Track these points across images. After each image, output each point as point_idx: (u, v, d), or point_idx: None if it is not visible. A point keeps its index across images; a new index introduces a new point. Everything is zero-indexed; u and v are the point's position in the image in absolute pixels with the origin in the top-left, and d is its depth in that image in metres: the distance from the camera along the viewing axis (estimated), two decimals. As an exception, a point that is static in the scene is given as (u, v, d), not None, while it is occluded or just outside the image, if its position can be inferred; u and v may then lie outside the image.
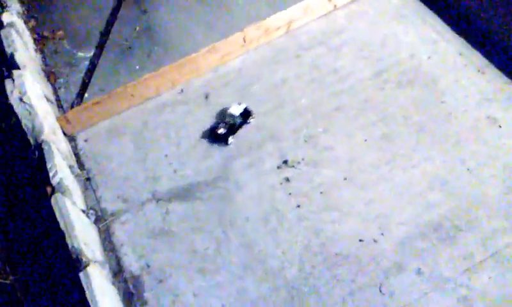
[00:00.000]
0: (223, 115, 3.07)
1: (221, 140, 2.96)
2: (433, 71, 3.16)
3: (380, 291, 2.44)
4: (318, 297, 2.45)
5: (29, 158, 2.72)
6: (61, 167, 2.67)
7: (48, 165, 2.62)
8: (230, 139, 2.95)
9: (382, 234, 2.57)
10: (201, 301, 2.49)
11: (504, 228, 2.54)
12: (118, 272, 2.60)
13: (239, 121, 3.00)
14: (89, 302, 2.24)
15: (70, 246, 2.37)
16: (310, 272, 2.51)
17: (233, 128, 2.98)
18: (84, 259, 2.34)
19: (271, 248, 2.60)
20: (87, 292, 2.25)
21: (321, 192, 2.71)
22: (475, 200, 2.64)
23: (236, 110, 3.01)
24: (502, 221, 2.56)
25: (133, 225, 2.74)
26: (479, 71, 3.11)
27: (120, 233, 2.72)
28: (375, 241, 2.56)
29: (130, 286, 2.55)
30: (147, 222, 2.74)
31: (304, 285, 2.49)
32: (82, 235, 2.49)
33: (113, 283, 2.53)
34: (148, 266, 2.59)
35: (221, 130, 2.96)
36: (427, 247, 2.53)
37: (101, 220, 2.78)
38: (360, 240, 2.56)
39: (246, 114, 3.02)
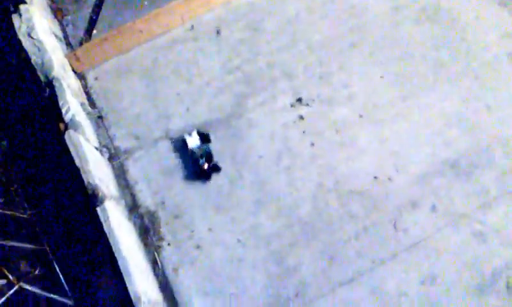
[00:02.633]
0: (188, 151, 2.73)
1: (205, 175, 2.69)
2: (453, 7, 3.03)
3: (394, 227, 2.47)
4: (331, 233, 2.48)
5: (41, 94, 2.69)
6: (72, 104, 2.64)
7: (60, 102, 2.60)
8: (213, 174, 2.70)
9: (397, 171, 2.56)
10: (217, 236, 2.53)
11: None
12: (133, 208, 2.63)
13: (207, 148, 2.72)
14: (107, 235, 2.29)
15: (85, 181, 2.39)
16: (324, 209, 2.53)
17: (210, 158, 2.70)
18: (100, 194, 2.37)
19: (284, 186, 2.61)
20: (104, 226, 2.29)
21: (336, 130, 2.68)
22: (492, 138, 2.60)
23: (194, 141, 2.72)
24: (519, 159, 2.56)
25: (147, 162, 2.75)
26: (500, 4, 3.00)
27: (133, 170, 2.74)
28: (390, 179, 2.55)
29: (146, 222, 2.59)
30: (160, 159, 2.74)
31: (317, 221, 2.51)
32: (97, 171, 2.50)
33: (129, 219, 2.57)
34: (163, 202, 2.62)
35: (205, 166, 2.68)
36: (442, 184, 2.52)
37: (114, 157, 2.79)
38: (375, 177, 2.56)
39: (205, 137, 2.76)
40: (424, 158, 2.58)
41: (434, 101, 2.71)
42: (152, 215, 2.60)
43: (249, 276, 2.42)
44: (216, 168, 2.64)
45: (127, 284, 2.10)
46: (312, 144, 2.67)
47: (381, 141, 2.64)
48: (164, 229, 2.56)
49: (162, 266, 2.47)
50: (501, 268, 2.38)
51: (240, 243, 2.49)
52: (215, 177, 2.63)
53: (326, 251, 2.45)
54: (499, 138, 2.58)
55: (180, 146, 2.71)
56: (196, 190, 2.62)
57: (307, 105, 2.74)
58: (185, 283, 2.43)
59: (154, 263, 2.48)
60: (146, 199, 2.64)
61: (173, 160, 2.72)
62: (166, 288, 2.44)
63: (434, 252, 2.41)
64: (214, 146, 2.70)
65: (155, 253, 2.50)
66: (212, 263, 2.46)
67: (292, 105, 2.76)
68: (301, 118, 2.73)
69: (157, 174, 2.71)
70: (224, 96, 2.86)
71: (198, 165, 2.62)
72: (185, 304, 2.39)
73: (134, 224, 2.57)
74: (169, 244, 2.51)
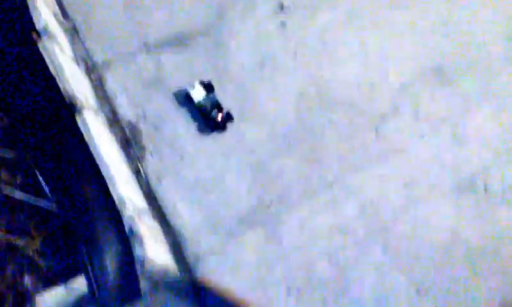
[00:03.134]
0: (193, 104, 2.59)
1: (219, 127, 2.57)
2: None
3: (376, 133, 2.50)
4: (314, 140, 2.50)
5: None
6: (44, 12, 2.52)
7: (31, 9, 2.48)
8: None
9: (380, 79, 2.55)
10: (200, 146, 2.52)
11: (503, 68, 2.55)
12: (113, 121, 2.59)
13: (213, 98, 2.58)
14: (89, 145, 2.26)
15: (62, 91, 2.33)
16: (307, 117, 2.53)
17: (220, 107, 2.58)
18: (78, 104, 2.32)
19: (267, 94, 2.58)
20: (85, 135, 2.25)
21: (319, 38, 2.64)
22: (476, 43, 2.60)
23: (199, 93, 2.58)
24: (502, 63, 2.56)
25: (125, 75, 2.66)
26: None
27: (112, 83, 2.65)
28: (372, 86, 2.55)
29: (128, 133, 2.55)
30: (140, 71, 2.66)
31: (300, 130, 2.52)
32: (74, 81, 2.43)
33: (109, 130, 2.54)
34: (145, 114, 2.58)
35: (219, 117, 2.55)
36: (425, 91, 2.54)
37: (92, 70, 2.71)
38: (358, 85, 2.55)
39: (208, 86, 2.62)
40: (407, 64, 2.57)
41: (418, 8, 2.68)
42: (133, 127, 2.56)
43: (233, 183, 2.44)
44: (229, 117, 2.53)
45: (111, 190, 2.10)
46: (295, 52, 2.62)
47: (364, 48, 2.61)
48: (146, 141, 2.53)
49: (145, 176, 2.47)
50: (479, 170, 2.45)
51: (225, 154, 2.49)
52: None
53: (308, 157, 2.47)
54: (482, 44, 2.59)
55: (184, 99, 2.59)
56: (178, 101, 2.59)
57: (289, 12, 2.67)
58: (169, 192, 2.44)
59: (137, 173, 2.48)
60: (127, 112, 2.59)
61: (152, 73, 2.67)
62: (150, 196, 2.45)
63: (415, 157, 2.46)
64: (192, 56, 2.64)
65: (138, 163, 2.50)
66: (196, 173, 2.47)
67: (274, 12, 2.69)
68: (284, 25, 2.67)
69: (137, 87, 2.64)
70: (204, 6, 2.76)
71: (211, 118, 2.52)
72: (170, 212, 2.41)
73: (115, 135, 2.55)
74: (151, 155, 2.50)
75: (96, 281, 2.07)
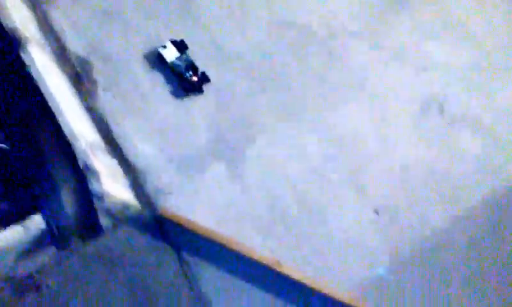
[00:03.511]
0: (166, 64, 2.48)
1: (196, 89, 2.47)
2: None
3: (342, 65, 2.50)
4: (281, 77, 2.50)
5: None
6: None
7: None
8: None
9: (338, 7, 2.54)
10: (152, 76, 2.47)
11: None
12: (62, 56, 2.48)
13: (187, 58, 2.47)
14: (35, 81, 2.17)
15: (3, 24, 2.20)
16: (274, 54, 2.52)
17: (195, 68, 2.47)
18: (22, 38, 2.20)
19: (237, 41, 2.53)
20: (31, 70, 2.15)
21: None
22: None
23: (171, 52, 2.46)
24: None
25: (73, 7, 2.53)
26: None
27: (58, 17, 2.50)
28: (335, 15, 2.54)
29: (78, 68, 2.45)
30: (89, 2, 2.54)
31: (273, 72, 2.51)
32: (16, 15, 2.30)
33: (58, 66, 2.44)
34: (94, 47, 2.47)
35: (194, 78, 2.45)
36: (387, 19, 2.55)
37: (35, 4, 2.56)
38: (319, 17, 2.54)
39: (181, 44, 2.50)
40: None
41: None
42: (83, 61, 2.45)
43: (197, 120, 2.41)
44: (205, 78, 2.44)
45: (62, 125, 2.04)
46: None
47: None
48: (97, 75, 2.44)
49: (100, 112, 2.41)
50: (439, 95, 2.51)
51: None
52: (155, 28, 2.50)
53: (281, 101, 2.47)
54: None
55: (156, 60, 2.47)
56: (133, 36, 2.49)
57: None
58: (127, 128, 2.38)
59: (91, 110, 2.42)
60: (75, 46, 2.46)
61: (104, 4, 2.54)
62: (106, 133, 2.39)
63: (381, 88, 2.50)
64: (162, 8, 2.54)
65: (92, 99, 2.43)
66: (156, 109, 2.41)
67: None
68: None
69: (85, 20, 2.51)
70: None
71: (186, 80, 2.43)
72: (128, 148, 2.36)
73: (65, 71, 2.45)
74: (104, 90, 2.43)
75: (54, 219, 2.05)
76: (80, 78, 2.43)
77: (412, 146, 2.43)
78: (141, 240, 2.28)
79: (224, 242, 2.20)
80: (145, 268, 2.22)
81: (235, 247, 2.18)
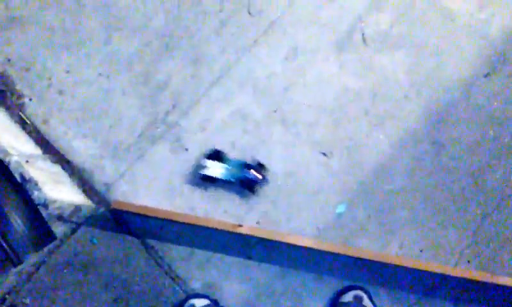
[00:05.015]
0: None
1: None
2: None
3: (249, 13, 2.45)
4: (190, 37, 2.43)
5: None
6: None
7: None
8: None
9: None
10: (76, 76, 2.39)
11: None
12: (-22, 76, 2.42)
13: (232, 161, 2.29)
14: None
15: None
16: (177, 15, 2.44)
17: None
18: None
19: (130, 2, 2.45)
20: None
21: None
22: None
23: (216, 168, 2.25)
24: None
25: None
26: None
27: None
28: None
29: (-2, 85, 2.41)
30: (-9, 14, 2.45)
31: (174, 29, 2.44)
32: None
33: (-24, 87, 2.37)
34: (9, 59, 2.39)
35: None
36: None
37: None
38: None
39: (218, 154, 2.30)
40: None
41: None
42: (2, 76, 2.39)
43: (122, 104, 2.37)
44: (262, 167, 2.28)
45: (-12, 145, 2.01)
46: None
47: None
48: (19, 86, 2.38)
49: (31, 122, 2.36)
50: (354, 22, 2.49)
51: (103, 75, 2.38)
52: (54, 15, 2.41)
53: (190, 57, 2.42)
54: None
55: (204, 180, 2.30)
56: (39, 35, 2.40)
57: None
58: (59, 131, 2.34)
59: (22, 123, 2.37)
60: (-10, 63, 2.41)
61: (2, 13, 2.44)
62: (42, 141, 2.35)
63: (291, 26, 2.46)
64: None
65: (20, 112, 2.37)
66: (80, 104, 2.37)
67: None
68: None
69: (-6, 34, 2.44)
70: None
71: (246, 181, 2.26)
72: (66, 150, 2.33)
73: (-15, 91, 2.38)
74: (30, 99, 2.35)
75: (4, 241, 2.04)
76: (3, 93, 2.37)
77: (339, 79, 2.43)
78: (104, 237, 2.28)
79: (181, 219, 2.21)
80: (115, 264, 2.24)
81: (192, 220, 2.21)
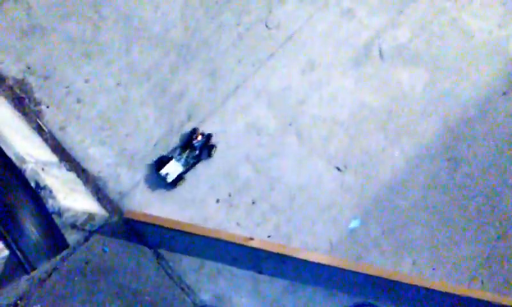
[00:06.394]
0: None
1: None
2: None
3: (266, 26, 2.46)
4: (208, 49, 2.45)
5: None
6: None
7: None
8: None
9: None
10: (95, 85, 2.42)
11: None
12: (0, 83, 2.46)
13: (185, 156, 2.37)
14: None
15: None
16: (195, 27, 2.46)
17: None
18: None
19: (150, 14, 2.47)
20: (-35, 104, 2.13)
21: None
22: None
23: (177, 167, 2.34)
24: None
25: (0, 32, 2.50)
26: None
27: (-13, 44, 2.49)
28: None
29: (17, 91, 2.43)
30: (12, 22, 2.47)
31: (192, 41, 2.46)
32: None
33: (-3, 94, 2.41)
34: (29, 67, 2.43)
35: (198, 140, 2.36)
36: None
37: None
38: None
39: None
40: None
41: None
42: (22, 83, 2.43)
43: (139, 113, 2.39)
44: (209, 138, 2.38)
45: (6, 151, 2.02)
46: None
47: None
48: (38, 94, 2.42)
49: (48, 129, 2.39)
50: (372, 38, 2.49)
51: (121, 85, 2.41)
52: (75, 25, 2.45)
53: (207, 68, 2.44)
54: None
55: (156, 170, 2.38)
56: (60, 44, 2.44)
57: None
58: (76, 139, 2.37)
59: (39, 130, 2.40)
60: (10, 69, 2.43)
61: (25, 21, 2.48)
62: (58, 148, 2.38)
63: (309, 40, 2.47)
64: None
65: (37, 119, 2.40)
66: (98, 112, 2.40)
67: None
68: None
69: (12, 40, 2.45)
70: None
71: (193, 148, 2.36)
72: (82, 158, 2.37)
73: (5, 97, 2.42)
74: (48, 107, 2.39)
75: (16, 245, 2.06)
76: (22, 100, 2.41)
77: (355, 94, 2.42)
78: (116, 246, 2.30)
79: (192, 230, 2.22)
80: (126, 273, 2.25)
81: (203, 232, 2.21)
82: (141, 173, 2.35)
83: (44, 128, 2.41)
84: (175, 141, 2.37)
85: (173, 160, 2.36)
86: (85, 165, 2.36)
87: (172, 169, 2.35)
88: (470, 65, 2.43)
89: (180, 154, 2.38)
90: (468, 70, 2.42)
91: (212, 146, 2.37)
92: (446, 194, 2.30)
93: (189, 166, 2.36)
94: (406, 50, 2.46)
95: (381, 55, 2.45)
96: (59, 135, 2.39)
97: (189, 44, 2.44)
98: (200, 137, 2.37)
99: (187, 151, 2.37)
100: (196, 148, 2.36)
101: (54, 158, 2.36)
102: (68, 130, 2.39)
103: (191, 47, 2.44)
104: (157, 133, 2.39)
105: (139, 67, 2.44)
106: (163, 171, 2.35)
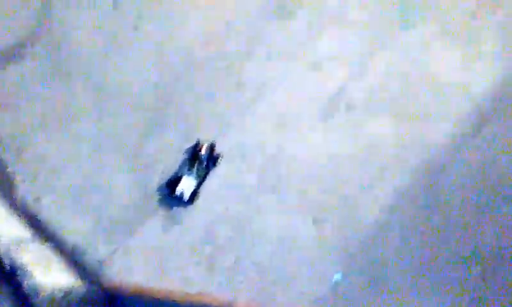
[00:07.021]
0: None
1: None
2: None
3: (237, 85, 2.50)
4: (180, 110, 2.48)
5: None
6: None
7: None
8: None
9: (226, 27, 2.55)
10: (69, 154, 2.41)
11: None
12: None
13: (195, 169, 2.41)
14: None
15: None
16: (167, 90, 2.50)
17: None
18: None
19: (121, 80, 2.51)
20: None
21: (155, 6, 2.59)
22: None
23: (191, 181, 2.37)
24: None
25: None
26: None
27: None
28: (220, 38, 2.55)
29: (-11, 167, 2.42)
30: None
31: (164, 104, 2.49)
32: None
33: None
34: (0, 141, 2.44)
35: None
36: (271, 28, 2.57)
37: None
38: (206, 42, 2.54)
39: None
40: (249, 7, 2.59)
41: None
42: (-6, 159, 2.43)
43: (114, 179, 2.38)
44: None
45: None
46: (135, 27, 2.57)
47: (201, 1, 2.60)
48: (11, 168, 2.41)
49: (22, 204, 2.36)
50: (340, 89, 2.54)
51: (94, 152, 2.42)
52: (46, 95, 2.46)
53: (179, 130, 2.45)
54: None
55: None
56: (30, 117, 2.45)
57: (117, -11, 2.57)
58: (52, 210, 2.34)
59: (13, 204, 2.37)
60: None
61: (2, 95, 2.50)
62: (34, 221, 2.35)
63: (278, 95, 2.51)
64: (31, 67, 2.48)
65: (11, 193, 2.37)
66: (72, 182, 2.38)
67: (102, -6, 2.58)
68: (116, 2, 2.57)
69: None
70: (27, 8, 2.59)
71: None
72: (58, 229, 2.33)
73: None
74: (22, 180, 2.38)
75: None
76: (-3, 177, 2.40)
77: (324, 145, 2.44)
78: (99, 317, 2.25)
79: (174, 296, 2.18)
80: (111, 345, 2.20)
81: (185, 298, 2.17)
82: (118, 240, 2.31)
83: (18, 202, 2.39)
84: (151, 205, 2.36)
85: (185, 176, 2.35)
86: (62, 236, 2.32)
87: (186, 185, 2.34)
88: (437, 110, 2.48)
89: (189, 169, 2.38)
90: (436, 115, 2.48)
91: (218, 156, 2.39)
92: (425, 238, 2.30)
93: (201, 179, 2.36)
94: (374, 98, 2.51)
95: (349, 106, 2.50)
96: (34, 207, 2.36)
97: (161, 107, 2.47)
98: (204, 148, 2.38)
99: (196, 163, 2.38)
100: (203, 159, 2.37)
101: (29, 232, 2.32)
102: (43, 202, 2.36)
103: (162, 109, 2.47)
104: (132, 199, 2.37)
105: (111, 133, 2.45)
106: (178, 190, 2.34)
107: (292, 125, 2.46)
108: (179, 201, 2.33)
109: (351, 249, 2.28)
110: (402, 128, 2.47)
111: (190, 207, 2.33)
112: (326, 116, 2.48)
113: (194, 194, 2.34)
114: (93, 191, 2.36)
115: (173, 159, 2.41)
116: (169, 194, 2.34)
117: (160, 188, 2.37)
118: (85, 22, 2.59)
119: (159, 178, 2.39)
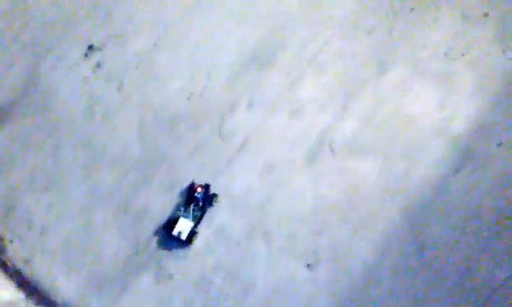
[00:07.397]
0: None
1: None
2: None
3: (220, 136, 2.55)
4: (167, 163, 2.51)
5: None
6: None
7: None
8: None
9: (208, 80, 2.60)
10: (58, 214, 2.45)
11: (311, 35, 2.66)
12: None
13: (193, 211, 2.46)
14: None
15: None
16: (152, 144, 2.54)
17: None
18: None
19: (108, 136, 2.55)
20: None
21: (136, 66, 2.64)
22: (281, 19, 2.72)
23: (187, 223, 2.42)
24: (308, 29, 2.67)
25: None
26: None
27: None
28: (203, 91, 2.59)
29: (-21, 232, 2.43)
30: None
31: (150, 157, 2.52)
32: None
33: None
34: (-13, 204, 2.47)
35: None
36: (251, 79, 2.62)
37: None
38: (189, 96, 2.58)
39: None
40: (228, 60, 2.63)
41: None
42: (-17, 221, 2.45)
43: (104, 236, 2.40)
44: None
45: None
46: (118, 88, 2.60)
47: (181, 59, 2.65)
48: (0, 229, 2.42)
49: (12, 265, 2.37)
50: (322, 133, 2.58)
51: (83, 210, 2.44)
52: (35, 156, 2.49)
53: (167, 182, 2.48)
54: (286, 18, 2.71)
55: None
56: (18, 177, 2.48)
57: (100, 50, 2.63)
58: (42, 271, 2.36)
59: (3, 266, 2.37)
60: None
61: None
62: (24, 283, 2.36)
63: (262, 143, 2.54)
64: (19, 127, 2.53)
65: (1, 255, 2.38)
66: (63, 241, 2.40)
67: (86, 55, 2.64)
68: (99, 65, 2.63)
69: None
70: (13, 68, 2.64)
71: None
72: (50, 289, 2.34)
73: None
74: (11, 241, 2.40)
75: None
76: (-16, 240, 2.40)
77: (310, 189, 2.47)
78: None
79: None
80: None
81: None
82: (111, 298, 2.31)
83: (8, 263, 2.39)
84: (143, 257, 2.37)
85: (181, 218, 2.38)
86: (53, 296, 2.33)
87: (183, 227, 2.38)
88: (418, 150, 2.52)
89: (185, 211, 2.41)
90: (417, 155, 2.51)
91: (213, 195, 2.43)
92: (417, 277, 2.31)
93: (197, 219, 2.39)
94: (355, 141, 2.54)
95: (332, 149, 2.54)
96: (24, 269, 2.37)
97: (148, 160, 2.51)
98: (199, 189, 2.42)
99: (192, 205, 2.41)
100: (199, 200, 2.40)
101: (20, 294, 2.32)
102: (34, 263, 2.37)
103: (149, 162, 2.50)
104: (123, 254, 2.39)
105: (100, 190, 2.48)
106: (175, 231, 2.37)
107: (278, 171, 2.49)
108: (177, 242, 2.36)
109: (345, 291, 2.29)
110: (384, 167, 2.51)
111: (183, 255, 2.34)
112: (312, 160, 2.51)
113: (191, 234, 2.37)
114: (84, 249, 2.38)
115: (164, 206, 2.44)
116: (166, 235, 2.37)
117: (155, 233, 2.40)
118: (70, 83, 2.64)
119: (151, 224, 2.41)
